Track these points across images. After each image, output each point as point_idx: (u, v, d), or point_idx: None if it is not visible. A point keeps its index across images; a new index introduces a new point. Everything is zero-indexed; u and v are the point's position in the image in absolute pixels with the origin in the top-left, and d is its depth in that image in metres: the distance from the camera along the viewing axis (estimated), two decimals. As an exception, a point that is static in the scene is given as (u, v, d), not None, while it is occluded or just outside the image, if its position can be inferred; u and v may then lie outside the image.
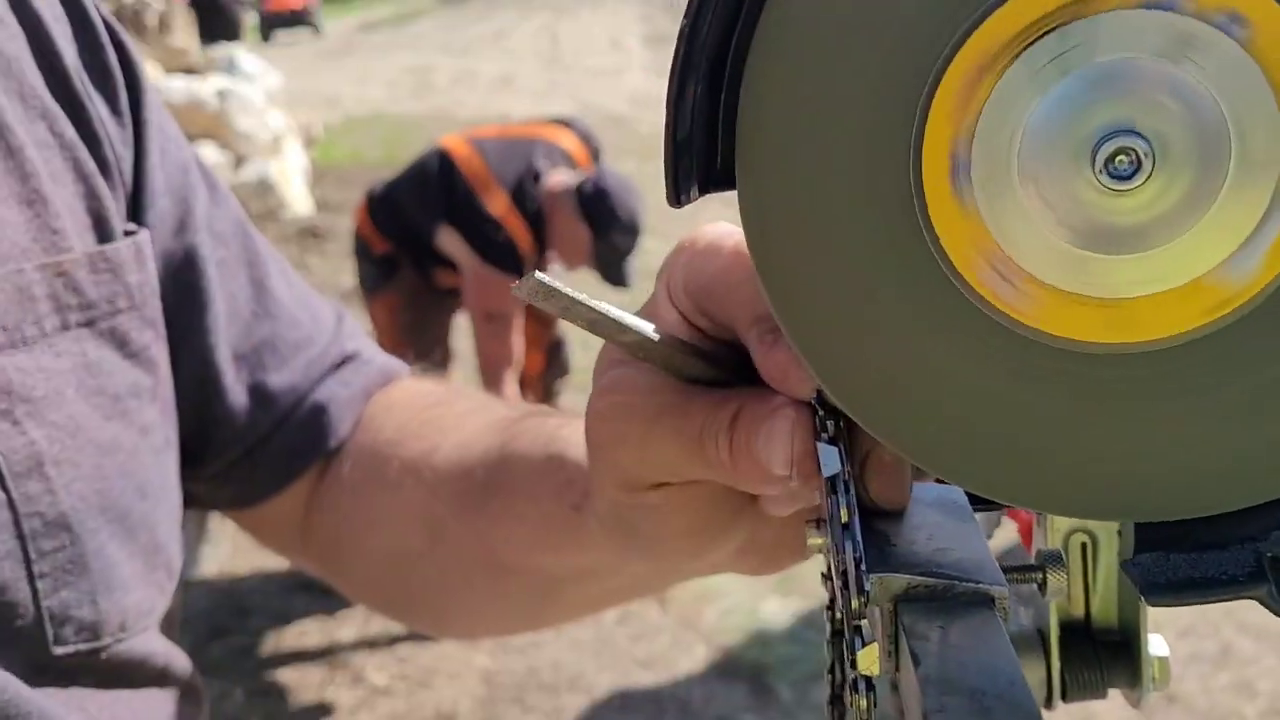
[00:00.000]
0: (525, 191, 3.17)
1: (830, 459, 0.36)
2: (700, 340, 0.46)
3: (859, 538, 0.35)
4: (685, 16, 0.34)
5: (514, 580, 0.70)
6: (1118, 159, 0.31)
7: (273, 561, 3.35)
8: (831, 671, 0.42)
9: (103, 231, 0.64)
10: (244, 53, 8.27)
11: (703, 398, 0.44)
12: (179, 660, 0.67)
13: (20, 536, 0.57)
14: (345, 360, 0.79)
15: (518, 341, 3.31)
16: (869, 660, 0.34)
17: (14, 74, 0.62)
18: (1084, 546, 0.43)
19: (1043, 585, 0.40)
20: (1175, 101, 0.31)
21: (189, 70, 7.16)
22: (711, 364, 0.44)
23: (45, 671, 0.58)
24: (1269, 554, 0.35)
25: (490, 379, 3.30)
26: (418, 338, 3.43)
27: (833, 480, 0.36)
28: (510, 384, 3.30)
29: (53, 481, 0.58)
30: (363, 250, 3.49)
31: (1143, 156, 0.31)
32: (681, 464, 0.44)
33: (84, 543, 0.59)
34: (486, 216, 3.15)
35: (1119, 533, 0.42)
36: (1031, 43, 0.31)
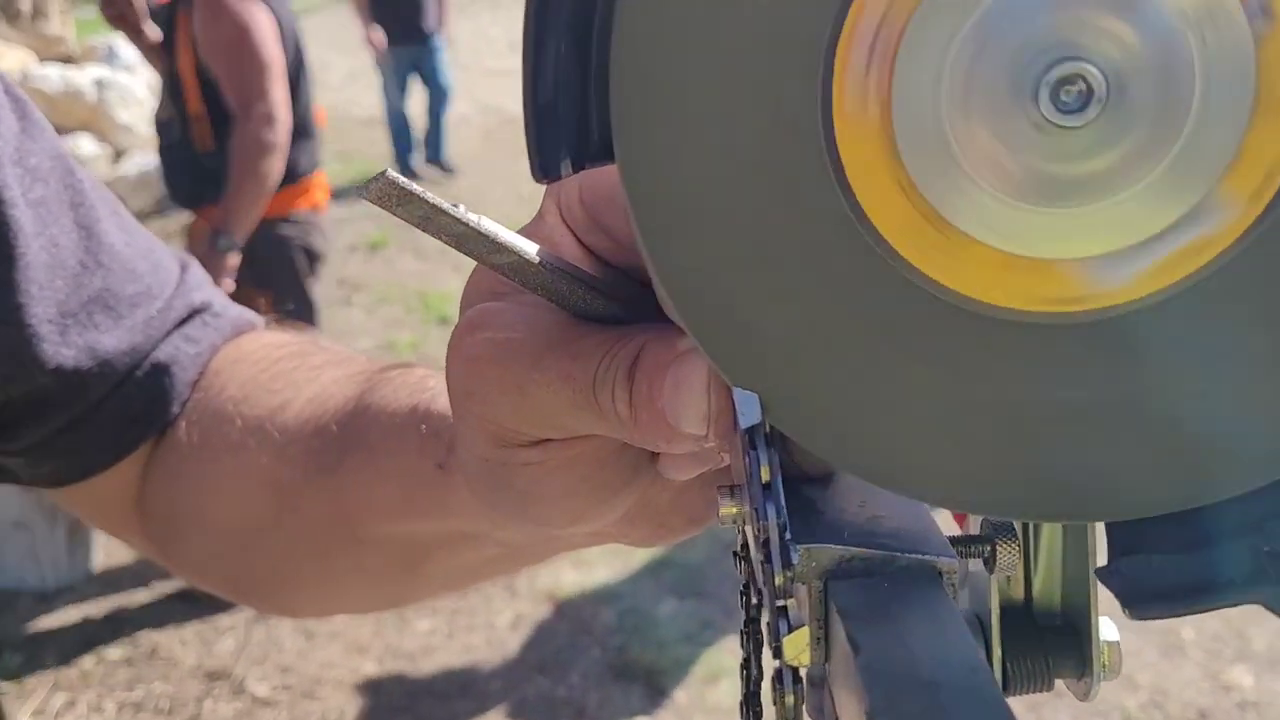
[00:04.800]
0: None
1: (750, 408, 0.30)
2: (594, 266, 0.38)
3: (783, 501, 0.30)
4: None
5: (373, 551, 0.61)
6: (1065, 89, 0.26)
7: (147, 568, 3.21)
8: (746, 666, 0.36)
9: None
10: (124, 42, 7.99)
11: (596, 336, 0.36)
12: None
13: None
14: (193, 314, 0.69)
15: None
16: (797, 647, 0.28)
17: None
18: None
19: (990, 559, 0.35)
20: (1137, 32, 0.26)
21: (65, 59, 6.88)
22: (606, 295, 0.37)
23: None
24: (1266, 548, 0.30)
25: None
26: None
27: (752, 433, 0.30)
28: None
29: None
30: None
31: (1094, 87, 0.26)
32: (568, 416, 0.37)
33: None
34: None
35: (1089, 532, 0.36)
36: None
